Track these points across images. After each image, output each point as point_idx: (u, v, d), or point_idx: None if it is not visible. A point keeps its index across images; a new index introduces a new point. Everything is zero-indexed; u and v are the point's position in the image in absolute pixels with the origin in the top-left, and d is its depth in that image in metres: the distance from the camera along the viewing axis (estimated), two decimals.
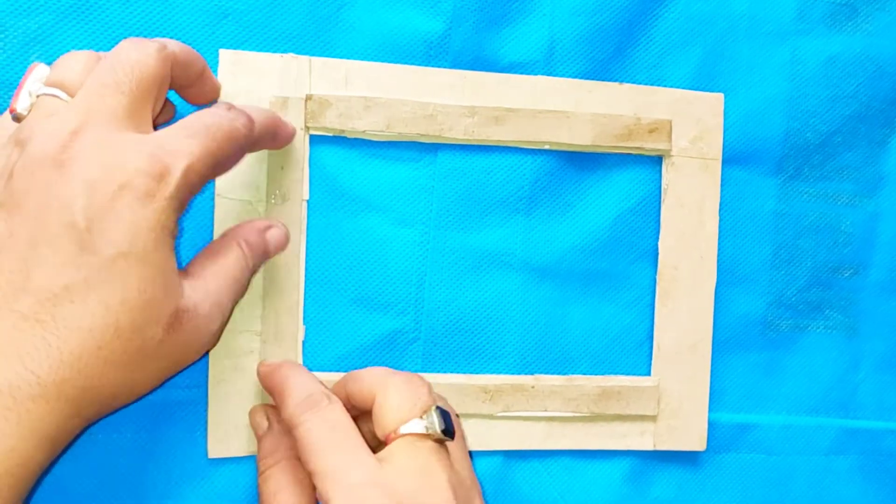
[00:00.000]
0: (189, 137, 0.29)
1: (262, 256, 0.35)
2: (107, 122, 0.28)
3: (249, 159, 0.36)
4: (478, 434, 0.39)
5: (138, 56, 0.29)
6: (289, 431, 0.35)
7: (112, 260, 0.27)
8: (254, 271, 0.34)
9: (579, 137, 0.40)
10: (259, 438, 0.35)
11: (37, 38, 0.35)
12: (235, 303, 0.33)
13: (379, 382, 0.32)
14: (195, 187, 0.29)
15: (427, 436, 0.31)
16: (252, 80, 0.36)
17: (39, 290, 0.26)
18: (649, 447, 0.41)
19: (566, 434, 0.40)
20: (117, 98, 0.29)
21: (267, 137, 0.34)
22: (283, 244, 0.36)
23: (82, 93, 0.29)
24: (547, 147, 0.40)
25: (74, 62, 0.30)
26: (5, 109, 0.35)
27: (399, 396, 0.31)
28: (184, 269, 0.31)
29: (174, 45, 0.31)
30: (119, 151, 0.28)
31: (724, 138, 0.42)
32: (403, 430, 0.31)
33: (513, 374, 0.40)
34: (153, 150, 0.28)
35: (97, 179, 0.27)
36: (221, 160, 0.31)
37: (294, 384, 0.33)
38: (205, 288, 0.31)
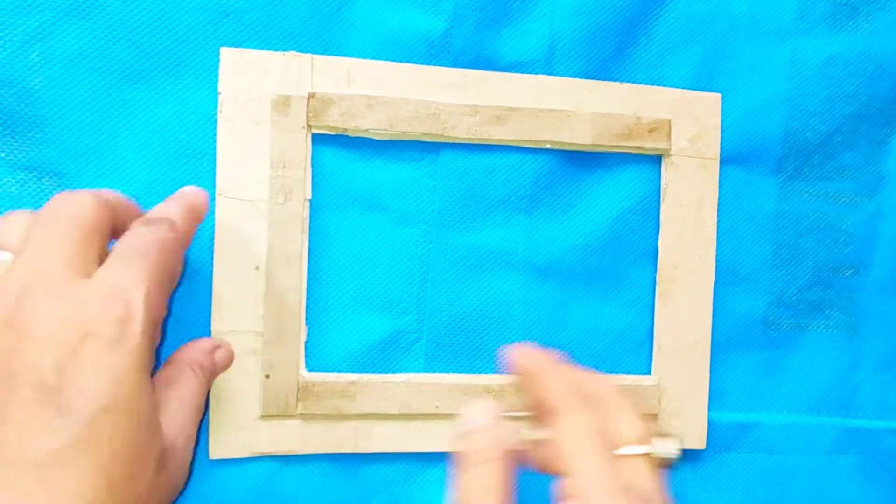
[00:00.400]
0: (129, 266, 0.28)
1: (212, 377, 0.35)
2: (54, 274, 0.27)
3: (252, 158, 0.36)
4: None
5: (75, 203, 0.29)
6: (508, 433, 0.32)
7: (95, 416, 0.26)
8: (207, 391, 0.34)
9: (580, 137, 0.40)
10: (483, 427, 0.31)
11: (37, 36, 0.35)
12: (198, 428, 0.33)
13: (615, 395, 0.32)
14: (159, 314, 0.29)
15: (659, 459, 0.30)
16: (254, 79, 0.36)
17: (20, 461, 0.25)
18: None
19: None
20: (62, 249, 0.28)
21: (194, 225, 0.33)
22: (229, 364, 0.36)
23: (25, 250, 0.28)
24: (548, 146, 0.40)
25: (13, 221, 0.30)
26: (3, 111, 0.35)
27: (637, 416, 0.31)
28: None
29: (107, 193, 0.31)
30: (74, 302, 0.27)
31: (724, 138, 0.42)
32: (641, 449, 0.30)
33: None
34: (107, 290, 0.27)
35: (58, 335, 0.26)
36: (168, 275, 0.30)
37: (554, 380, 0.32)
38: (175, 422, 0.30)
